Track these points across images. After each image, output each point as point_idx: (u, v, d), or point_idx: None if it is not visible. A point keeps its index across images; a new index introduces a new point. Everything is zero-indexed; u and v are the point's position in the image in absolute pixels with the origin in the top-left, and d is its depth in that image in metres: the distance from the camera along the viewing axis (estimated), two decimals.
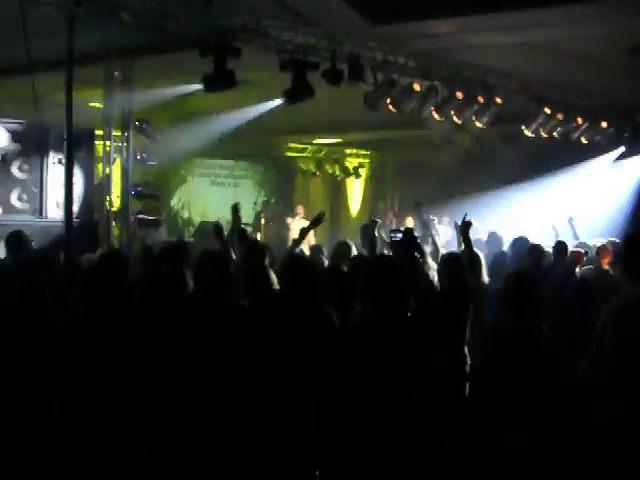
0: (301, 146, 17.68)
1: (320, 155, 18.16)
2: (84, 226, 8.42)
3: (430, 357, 3.81)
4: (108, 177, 9.51)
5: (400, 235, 5.87)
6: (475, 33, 9.44)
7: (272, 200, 16.23)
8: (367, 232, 6.89)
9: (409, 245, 5.09)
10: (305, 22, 9.32)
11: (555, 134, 12.38)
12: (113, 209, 9.52)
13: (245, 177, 16.85)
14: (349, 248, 6.73)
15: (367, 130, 15.05)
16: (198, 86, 9.26)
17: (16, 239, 6.70)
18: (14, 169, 9.06)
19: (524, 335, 4.03)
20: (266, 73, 9.96)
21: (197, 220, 15.00)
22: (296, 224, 12.28)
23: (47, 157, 9.06)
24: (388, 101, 10.27)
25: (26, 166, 9.08)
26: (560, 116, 12.13)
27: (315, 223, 6.85)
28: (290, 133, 15.93)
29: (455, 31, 9.49)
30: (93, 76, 9.68)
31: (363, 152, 18.42)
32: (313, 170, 18.08)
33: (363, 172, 18.72)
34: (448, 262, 5.66)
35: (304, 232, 6.52)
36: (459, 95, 10.70)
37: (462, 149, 15.12)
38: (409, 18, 9.18)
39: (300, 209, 13.37)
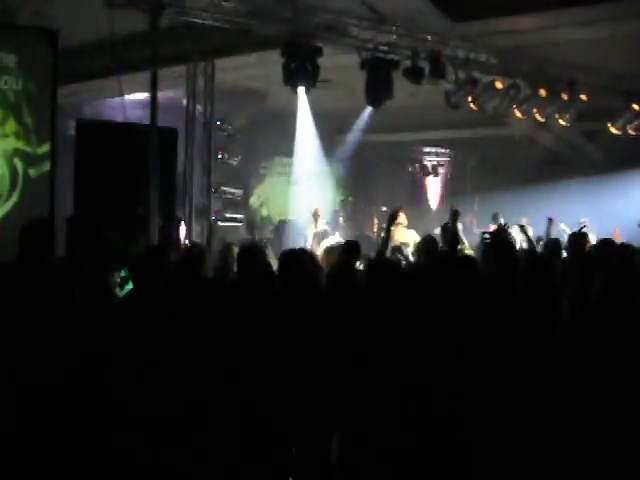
0: (380, 145, 17.61)
1: (399, 154, 18.07)
2: (167, 225, 8.55)
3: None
4: (190, 176, 9.67)
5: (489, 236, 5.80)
6: (558, 28, 9.25)
7: (350, 199, 16.23)
8: (447, 227, 6.84)
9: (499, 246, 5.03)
10: (386, 20, 9.30)
11: None
12: (194, 208, 9.68)
13: (325, 176, 16.88)
14: (435, 243, 6.66)
15: (447, 128, 14.91)
16: (278, 85, 9.35)
17: None
18: None
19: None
20: (346, 72, 9.98)
21: (275, 218, 15.11)
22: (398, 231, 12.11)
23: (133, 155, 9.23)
24: (469, 99, 10.16)
25: None
26: None
27: (392, 219, 6.81)
28: (369, 131, 15.90)
29: (537, 27, 9.32)
30: (176, 76, 9.89)
31: (442, 151, 18.25)
32: (392, 169, 18.00)
33: (442, 171, 18.54)
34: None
35: (387, 232, 6.49)
36: (542, 92, 10.50)
37: (543, 147, 14.83)
38: (491, 15, 9.07)
39: (402, 217, 13.09)
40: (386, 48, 9.42)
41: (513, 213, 11.39)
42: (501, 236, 5.17)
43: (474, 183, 17.59)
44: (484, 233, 6.74)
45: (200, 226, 9.72)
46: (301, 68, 8.83)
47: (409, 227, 10.76)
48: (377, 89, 9.43)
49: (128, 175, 8.73)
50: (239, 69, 10.70)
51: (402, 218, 13.08)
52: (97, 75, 10.24)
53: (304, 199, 15.77)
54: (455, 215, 6.76)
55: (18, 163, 8.58)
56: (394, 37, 9.42)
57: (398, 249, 7.30)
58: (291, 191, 15.98)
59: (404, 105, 11.50)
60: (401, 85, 9.67)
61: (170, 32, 8.80)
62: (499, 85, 10.26)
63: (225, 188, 10.92)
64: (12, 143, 8.57)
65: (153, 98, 7.65)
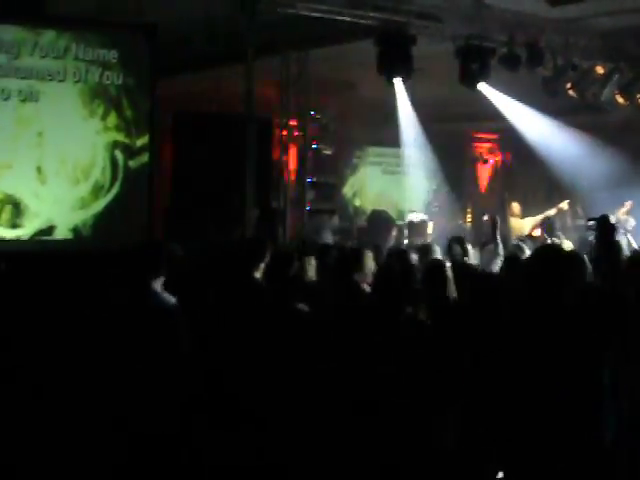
0: (472, 133, 17.35)
1: (493, 143, 17.75)
2: (263, 215, 8.66)
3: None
4: (285, 166, 9.75)
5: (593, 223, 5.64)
6: None
7: (443, 190, 16.03)
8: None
9: (606, 233, 4.88)
10: (481, 6, 9.13)
11: None
12: (289, 198, 9.75)
13: (417, 166, 16.73)
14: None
15: (544, 116, 14.54)
16: (371, 75, 9.31)
17: None
18: None
19: None
20: (440, 60, 9.85)
21: (368, 208, 15.07)
22: (516, 223, 11.95)
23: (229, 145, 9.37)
24: (568, 86, 9.88)
25: None
26: None
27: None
28: (461, 120, 15.68)
29: None
30: (270, 67, 9.97)
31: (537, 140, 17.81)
32: (484, 158, 17.70)
33: (535, 160, 18.09)
34: None
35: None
36: None
37: None
38: None
39: (516, 207, 12.85)
40: (481, 35, 9.24)
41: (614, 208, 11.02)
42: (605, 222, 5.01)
43: (571, 173, 17.10)
44: (589, 220, 6.53)
45: (294, 216, 9.79)
46: (395, 57, 8.75)
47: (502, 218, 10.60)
48: (472, 77, 9.27)
49: (224, 166, 8.88)
50: (332, 59, 10.69)
51: (516, 208, 12.91)
52: (194, 67, 10.40)
53: (397, 189, 15.71)
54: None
55: (119, 155, 8.84)
56: (490, 24, 9.23)
57: (519, 247, 7.06)
58: (384, 181, 15.92)
59: (502, 92, 11.29)
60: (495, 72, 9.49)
61: (264, 23, 8.87)
62: (600, 70, 9.94)
63: (319, 178, 10.95)
64: (113, 136, 8.83)
65: (249, 89, 7.72)
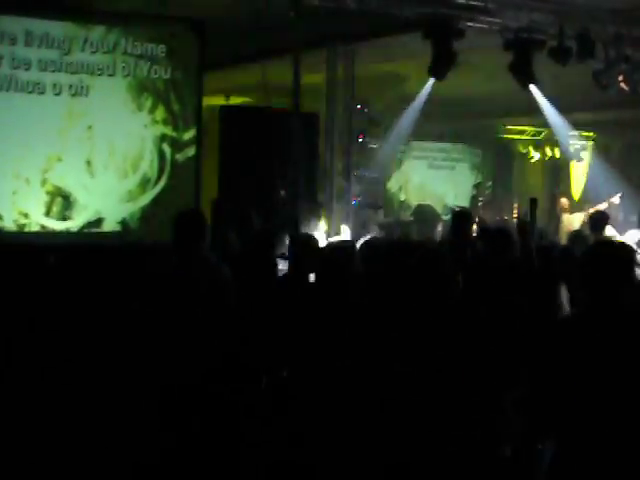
0: (520, 128, 17.14)
1: (540, 137, 17.51)
2: (308, 208, 8.65)
3: None
4: (331, 160, 9.74)
5: None
6: None
7: (488, 184, 15.91)
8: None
9: None
10: None
11: None
12: (335, 192, 9.75)
13: (462, 160, 16.61)
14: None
15: (591, 110, 14.30)
16: (416, 68, 9.26)
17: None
18: None
19: None
20: (488, 54, 9.74)
21: (413, 203, 15.01)
22: (566, 218, 11.83)
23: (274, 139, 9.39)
24: (620, 78, 9.68)
25: None
26: None
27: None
28: (508, 115, 15.51)
29: None
30: (317, 61, 9.95)
31: (586, 134, 17.52)
32: (532, 153, 17.48)
33: (585, 155, 17.81)
34: None
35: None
36: None
37: None
38: None
39: (565, 202, 12.70)
40: (530, 27, 9.10)
41: None
42: None
43: (619, 170, 16.82)
44: None
45: (340, 210, 9.77)
46: (442, 51, 8.67)
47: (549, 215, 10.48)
48: (522, 70, 9.13)
49: (271, 159, 8.90)
50: (379, 52, 10.64)
51: (565, 203, 12.75)
52: (241, 61, 10.44)
53: (442, 183, 15.63)
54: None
55: (166, 148, 8.92)
56: (538, 15, 9.09)
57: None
58: (429, 175, 15.86)
59: (549, 86, 11.12)
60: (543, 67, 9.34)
61: (311, 17, 8.85)
62: None
63: (364, 172, 10.93)
64: (161, 129, 8.92)
65: (296, 83, 7.72)
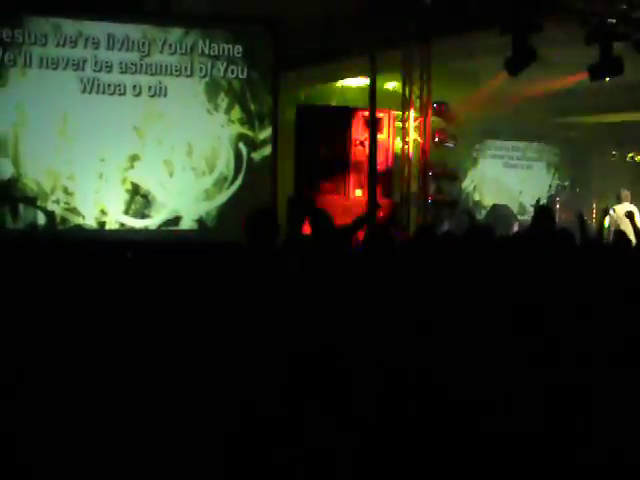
0: (600, 126, 16.70)
1: (621, 136, 17.03)
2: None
3: None
4: (408, 159, 9.67)
5: None
6: None
7: (566, 183, 15.57)
8: None
9: None
10: None
11: None
12: (411, 191, 9.67)
13: (539, 159, 16.30)
14: None
15: None
16: (492, 65, 9.11)
17: None
18: None
19: None
20: (569, 49, 9.52)
21: (489, 203, 14.79)
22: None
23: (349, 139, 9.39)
24: None
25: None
26: None
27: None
28: (587, 112, 15.12)
29: None
30: (393, 59, 9.90)
31: None
32: (612, 152, 17.02)
33: None
34: None
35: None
36: None
37: None
38: None
39: (625, 195, 12.31)
40: (613, 20, 8.85)
41: None
42: None
43: None
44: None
45: (416, 209, 9.70)
46: (521, 48, 8.50)
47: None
48: (604, 65, 8.89)
49: (345, 158, 8.89)
50: (455, 50, 10.52)
51: (625, 197, 12.36)
52: (317, 60, 10.46)
53: (519, 183, 15.36)
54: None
55: (242, 147, 9.01)
56: (624, 6, 8.82)
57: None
58: (505, 174, 15.61)
59: (627, 81, 10.81)
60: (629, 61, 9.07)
61: (387, 15, 8.81)
62: None
63: (440, 171, 10.83)
64: (237, 129, 9.02)
65: (372, 81, 7.70)
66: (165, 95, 8.76)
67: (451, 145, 10.22)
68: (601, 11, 8.79)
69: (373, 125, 7.81)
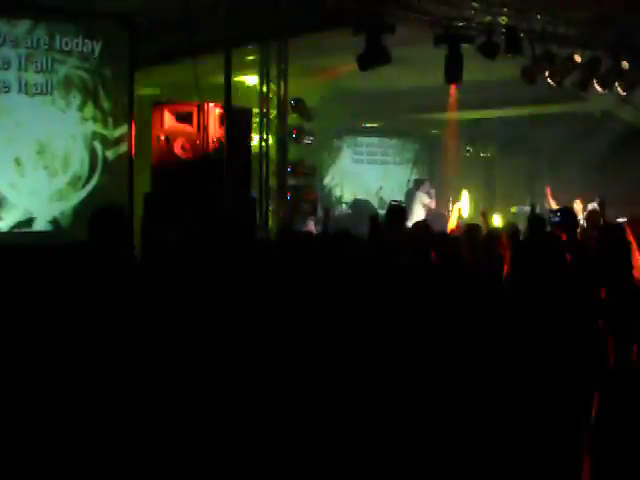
0: (455, 123, 17.34)
1: (474, 132, 17.75)
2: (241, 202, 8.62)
3: None
4: (265, 156, 9.73)
5: (558, 216, 5.71)
6: None
7: (424, 179, 16.07)
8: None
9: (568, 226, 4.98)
10: None
11: None
12: (270, 187, 9.73)
13: (397, 155, 16.78)
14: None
15: (521, 105, 14.58)
16: (351, 63, 9.30)
17: None
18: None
19: None
20: (420, 49, 9.85)
21: (349, 198, 15.09)
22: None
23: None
24: (547, 74, 9.91)
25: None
26: None
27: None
28: (442, 109, 15.69)
29: None
30: (250, 57, 9.93)
31: (517, 129, 17.83)
32: (466, 148, 17.74)
33: (517, 150, 18.14)
34: None
35: None
36: (625, 64, 10.17)
37: (625, 123, 14.36)
38: None
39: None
40: (460, 23, 9.24)
41: (590, 194, 11.08)
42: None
43: (551, 162, 17.19)
44: (552, 212, 6.62)
45: (275, 206, 9.77)
46: (373, 46, 8.73)
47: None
48: (454, 65, 9.27)
49: (202, 154, 8.82)
50: (313, 47, 10.66)
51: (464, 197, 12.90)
52: (172, 58, 10.35)
53: (377, 178, 15.76)
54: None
55: (97, 146, 8.80)
56: (469, 11, 9.24)
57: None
58: (366, 170, 15.97)
59: (478, 81, 11.31)
60: (477, 61, 9.48)
61: (242, 12, 8.82)
62: (578, 58, 9.98)
63: (299, 167, 10.95)
64: (91, 127, 8.80)
65: (227, 79, 7.70)
66: (12, 91, 8.42)
67: (309, 141, 10.36)
68: (449, 14, 9.16)
69: (228, 122, 7.80)
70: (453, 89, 11.91)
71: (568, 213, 6.36)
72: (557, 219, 6.03)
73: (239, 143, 8.42)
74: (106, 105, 8.80)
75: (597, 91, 10.46)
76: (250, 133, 9.05)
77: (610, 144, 14.37)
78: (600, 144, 14.55)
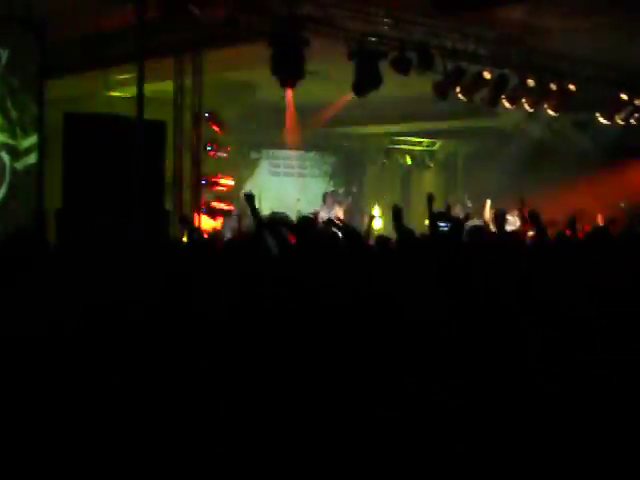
0: (370, 136, 17.61)
1: (390, 145, 18.06)
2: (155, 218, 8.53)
3: None
4: (179, 169, 9.66)
5: (446, 224, 5.87)
6: (546, 18, 9.24)
7: (340, 190, 16.23)
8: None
9: (455, 234, 5.15)
10: (373, 11, 9.29)
11: (632, 121, 12.06)
12: (184, 200, 9.67)
13: (314, 167, 16.89)
14: None
15: (437, 119, 14.90)
16: (267, 77, 9.33)
17: None
18: None
19: None
20: (335, 63, 9.97)
21: (267, 211, 15.08)
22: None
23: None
24: (458, 90, 10.17)
25: None
26: (638, 102, 11.82)
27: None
28: (359, 123, 15.89)
29: (526, 17, 9.31)
30: (164, 69, 9.85)
31: (433, 142, 18.25)
32: (383, 160, 18.00)
33: (433, 162, 18.54)
34: None
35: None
36: (530, 82, 10.52)
37: (534, 138, 14.83)
38: (479, 4, 9.05)
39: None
40: (374, 39, 9.40)
41: (505, 204, 11.40)
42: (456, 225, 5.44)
43: (464, 175, 17.62)
44: (439, 219, 6.76)
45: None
46: (288, 60, 8.80)
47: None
48: (365, 80, 9.41)
49: (116, 168, 8.71)
50: (228, 61, 10.67)
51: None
52: (84, 69, 10.20)
53: (294, 190, 15.79)
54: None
55: (5, 157, 8.59)
56: (382, 28, 9.41)
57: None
58: (283, 183, 16.00)
59: (394, 96, 11.52)
60: (392, 76, 9.65)
61: (157, 24, 8.76)
62: (487, 75, 10.27)
63: (216, 180, 10.92)
64: None
65: (140, 90, 7.63)
66: None
67: (224, 154, 10.35)
68: (363, 30, 9.31)
69: (140, 134, 7.72)
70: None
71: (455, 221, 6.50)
72: (445, 227, 6.19)
73: (152, 156, 8.35)
74: (13, 114, 8.60)
75: (506, 107, 10.77)
76: (164, 145, 8.97)
77: (520, 157, 14.83)
78: (510, 158, 15.00)
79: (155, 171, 8.49)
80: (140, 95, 7.59)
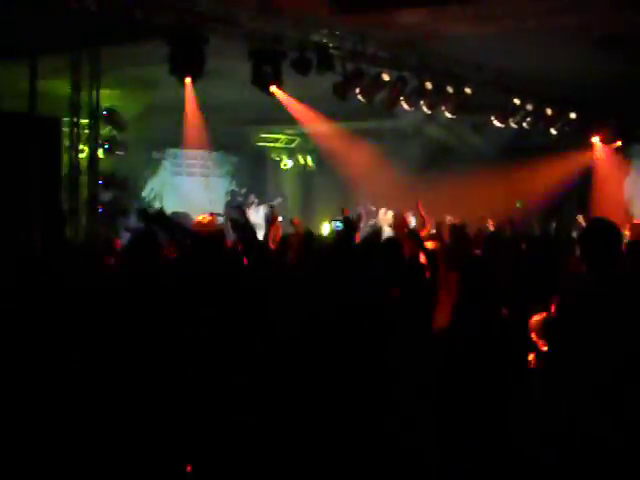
0: (273, 136, 17.61)
1: (292, 146, 18.10)
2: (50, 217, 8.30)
3: None
4: (76, 167, 9.42)
5: (340, 224, 6.04)
6: (445, 23, 9.45)
7: (242, 191, 16.20)
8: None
9: (348, 233, 5.33)
10: (273, 10, 9.28)
11: (525, 124, 12.49)
12: (81, 200, 9.43)
13: (217, 167, 16.79)
14: None
15: (338, 120, 15.00)
16: (166, 75, 9.21)
17: None
18: None
19: None
20: (235, 62, 9.91)
21: (169, 211, 14.88)
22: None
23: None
24: (357, 91, 10.28)
25: None
26: (530, 107, 12.24)
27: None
28: (261, 123, 15.88)
29: (425, 21, 9.49)
30: (60, 65, 9.58)
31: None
32: (285, 161, 18.04)
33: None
34: None
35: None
36: (428, 85, 10.74)
37: (432, 139, 15.16)
38: (378, 7, 9.17)
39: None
40: (274, 38, 9.40)
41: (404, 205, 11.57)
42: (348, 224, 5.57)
43: (365, 175, 17.79)
44: (334, 220, 6.90)
45: (86, 219, 9.48)
46: (187, 58, 8.71)
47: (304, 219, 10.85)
48: (264, 79, 9.41)
49: (8, 167, 8.44)
50: (128, 58, 10.45)
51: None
52: None
53: (197, 191, 15.67)
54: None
55: None
56: (282, 28, 9.42)
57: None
58: (183, 182, 15.84)
59: (295, 96, 11.54)
60: (294, 76, 9.67)
61: (52, 18, 8.51)
62: (386, 77, 10.43)
63: (115, 180, 10.71)
64: None
65: (32, 87, 7.41)
66: None
67: (122, 153, 10.16)
68: (263, 30, 9.30)
69: (35, 130, 7.51)
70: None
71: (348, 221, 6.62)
72: (339, 227, 6.33)
73: (47, 153, 8.13)
74: None
75: (404, 109, 10.96)
76: (60, 143, 8.75)
77: (419, 158, 15.13)
78: (410, 158, 15.27)
79: (50, 170, 8.27)
80: (32, 91, 7.37)
